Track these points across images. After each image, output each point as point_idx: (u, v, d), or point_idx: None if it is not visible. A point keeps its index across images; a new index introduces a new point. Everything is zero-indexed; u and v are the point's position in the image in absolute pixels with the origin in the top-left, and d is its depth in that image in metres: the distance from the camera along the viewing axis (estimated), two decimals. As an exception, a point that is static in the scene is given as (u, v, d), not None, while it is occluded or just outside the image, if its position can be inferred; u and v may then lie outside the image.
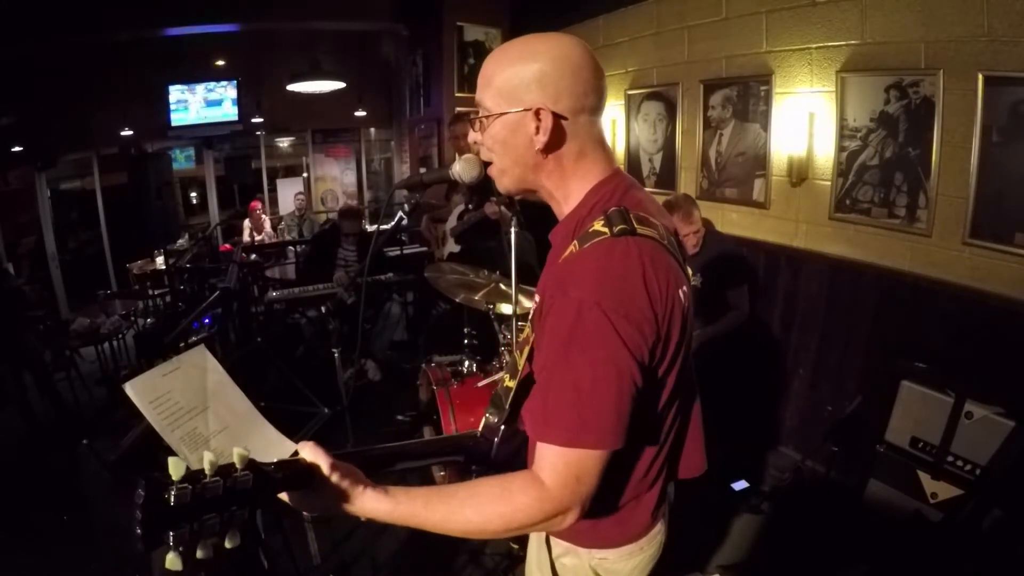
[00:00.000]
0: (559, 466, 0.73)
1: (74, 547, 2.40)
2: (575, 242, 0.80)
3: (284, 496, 0.75)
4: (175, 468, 0.62)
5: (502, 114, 0.83)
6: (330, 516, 0.78)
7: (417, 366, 2.88)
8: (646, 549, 0.95)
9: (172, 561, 0.62)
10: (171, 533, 0.61)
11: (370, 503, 0.75)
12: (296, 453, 0.77)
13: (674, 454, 0.94)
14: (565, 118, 0.81)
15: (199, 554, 0.64)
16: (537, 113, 0.80)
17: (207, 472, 0.64)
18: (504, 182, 0.90)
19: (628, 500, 0.89)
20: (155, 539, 0.61)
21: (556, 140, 0.82)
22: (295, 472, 0.73)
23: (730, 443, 1.77)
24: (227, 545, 0.67)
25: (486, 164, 0.92)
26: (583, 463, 0.73)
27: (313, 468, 0.74)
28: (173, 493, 0.61)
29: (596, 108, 0.84)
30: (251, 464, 0.68)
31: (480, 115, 0.86)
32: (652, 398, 0.82)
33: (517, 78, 0.81)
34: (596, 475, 0.74)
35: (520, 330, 2.20)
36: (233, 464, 0.66)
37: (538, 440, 0.75)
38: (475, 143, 0.90)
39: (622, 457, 0.83)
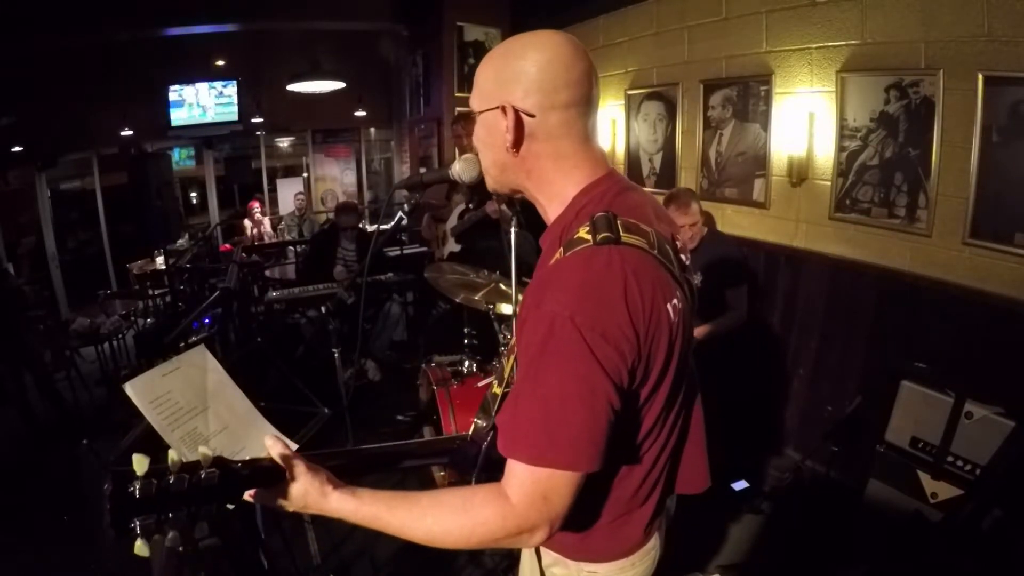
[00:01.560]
0: (526, 483, 0.70)
1: (74, 547, 2.40)
2: (561, 248, 0.76)
3: (250, 496, 0.77)
4: (139, 464, 0.65)
5: (480, 112, 0.83)
6: (299, 513, 0.80)
7: (417, 366, 2.89)
8: (638, 564, 0.92)
9: (139, 548, 0.66)
10: (137, 522, 0.65)
11: (335, 502, 0.76)
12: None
13: (671, 468, 0.91)
14: (532, 115, 0.78)
15: (168, 543, 0.67)
16: (504, 110, 0.79)
17: (171, 468, 0.67)
18: (488, 182, 0.91)
19: (618, 516, 0.87)
20: (123, 528, 0.65)
21: (522, 137, 0.80)
22: (262, 470, 0.76)
23: (730, 443, 1.78)
24: (195, 536, 0.72)
25: None
26: (551, 482, 0.70)
27: (280, 467, 0.76)
28: (137, 486, 0.65)
29: (572, 105, 0.79)
30: (218, 461, 0.72)
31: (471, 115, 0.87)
32: (637, 419, 0.79)
33: (493, 77, 0.81)
34: (567, 495, 0.71)
35: (520, 330, 2.20)
36: (199, 462, 0.70)
37: (506, 455, 0.73)
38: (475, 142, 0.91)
39: (609, 476, 0.81)
